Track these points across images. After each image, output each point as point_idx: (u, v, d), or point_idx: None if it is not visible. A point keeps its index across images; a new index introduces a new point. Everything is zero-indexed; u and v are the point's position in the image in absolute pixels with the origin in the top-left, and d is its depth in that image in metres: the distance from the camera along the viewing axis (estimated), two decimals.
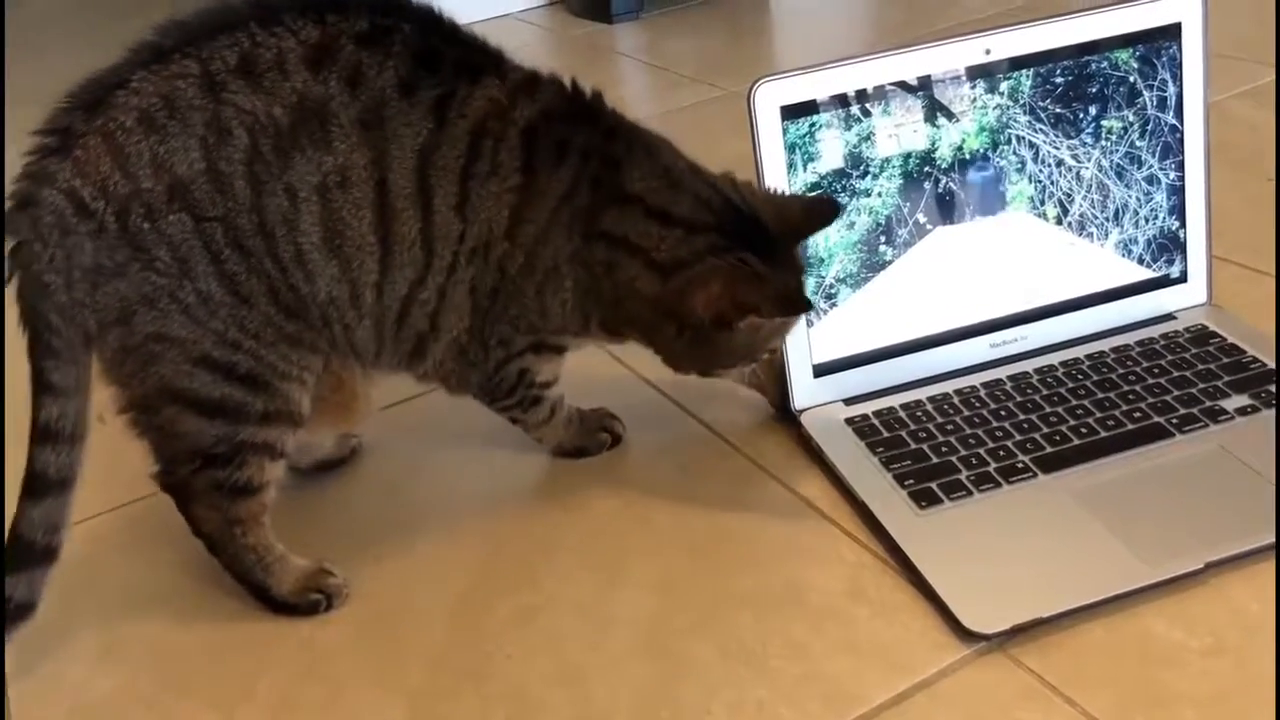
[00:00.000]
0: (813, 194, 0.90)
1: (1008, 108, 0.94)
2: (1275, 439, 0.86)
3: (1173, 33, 0.96)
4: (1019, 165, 0.96)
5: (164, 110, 0.75)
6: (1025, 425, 0.90)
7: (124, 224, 0.75)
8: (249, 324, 0.79)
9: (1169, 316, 1.01)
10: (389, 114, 0.78)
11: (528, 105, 0.82)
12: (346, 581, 0.87)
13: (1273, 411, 0.89)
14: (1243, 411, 0.89)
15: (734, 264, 0.79)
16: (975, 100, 0.94)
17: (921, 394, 0.95)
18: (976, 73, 0.93)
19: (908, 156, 0.93)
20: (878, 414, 0.94)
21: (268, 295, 0.79)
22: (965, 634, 0.75)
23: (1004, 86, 0.94)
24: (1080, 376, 0.95)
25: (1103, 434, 0.88)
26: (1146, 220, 0.99)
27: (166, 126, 0.75)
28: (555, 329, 0.88)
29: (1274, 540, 0.77)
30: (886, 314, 0.96)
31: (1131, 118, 0.97)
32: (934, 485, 0.85)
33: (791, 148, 0.91)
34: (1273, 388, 0.91)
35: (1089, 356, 0.97)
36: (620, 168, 0.83)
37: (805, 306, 0.83)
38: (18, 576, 0.79)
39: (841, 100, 0.91)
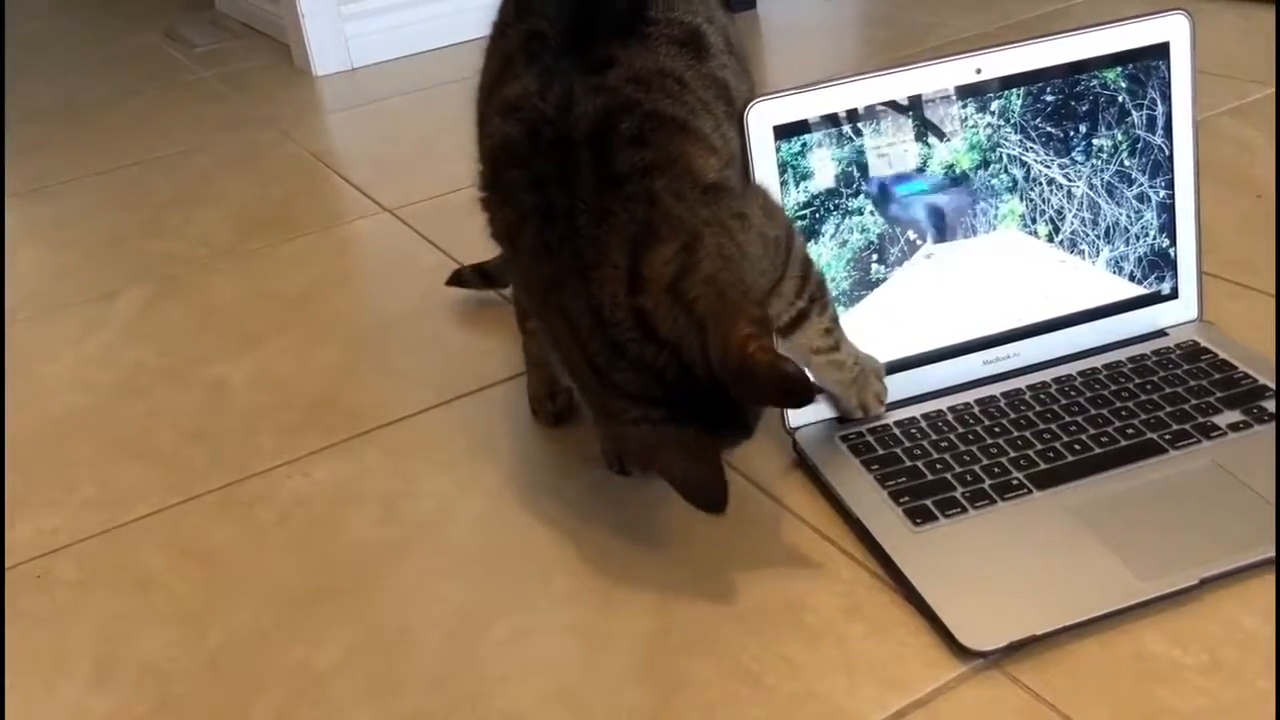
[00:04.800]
0: (790, 371, 0.70)
1: (999, 126, 0.95)
2: (1275, 452, 0.86)
3: (1161, 52, 0.97)
4: (1010, 184, 0.96)
5: None
6: (1019, 442, 0.90)
7: None
8: None
9: (1161, 333, 1.01)
10: (492, 43, 0.90)
11: (514, 123, 0.80)
12: None
13: (1265, 427, 0.89)
14: (1235, 427, 0.89)
15: (674, 437, 0.75)
16: (966, 119, 0.94)
17: (916, 411, 0.96)
18: (967, 92, 0.94)
19: (900, 175, 0.94)
20: (872, 431, 0.94)
21: None
22: (962, 651, 0.75)
23: (994, 105, 0.95)
24: (1073, 393, 0.95)
25: (1096, 450, 0.89)
26: (1137, 238, 1.00)
27: None
28: None
29: (1270, 555, 0.78)
30: (880, 331, 0.96)
31: (1121, 136, 0.98)
32: (929, 502, 0.86)
33: (784, 166, 0.91)
34: (1265, 404, 0.91)
35: (1082, 373, 0.97)
36: (554, 258, 0.78)
37: (718, 511, 0.77)
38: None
39: (833, 119, 0.92)
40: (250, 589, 0.90)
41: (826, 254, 0.93)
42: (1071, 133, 0.97)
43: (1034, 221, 0.98)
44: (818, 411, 0.95)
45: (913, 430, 0.93)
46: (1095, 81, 0.96)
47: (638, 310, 0.73)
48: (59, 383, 1.24)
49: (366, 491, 1.00)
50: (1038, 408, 0.94)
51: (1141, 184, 0.99)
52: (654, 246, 0.73)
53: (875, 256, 0.95)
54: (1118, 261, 1.00)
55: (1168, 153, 0.99)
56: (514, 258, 0.84)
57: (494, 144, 0.82)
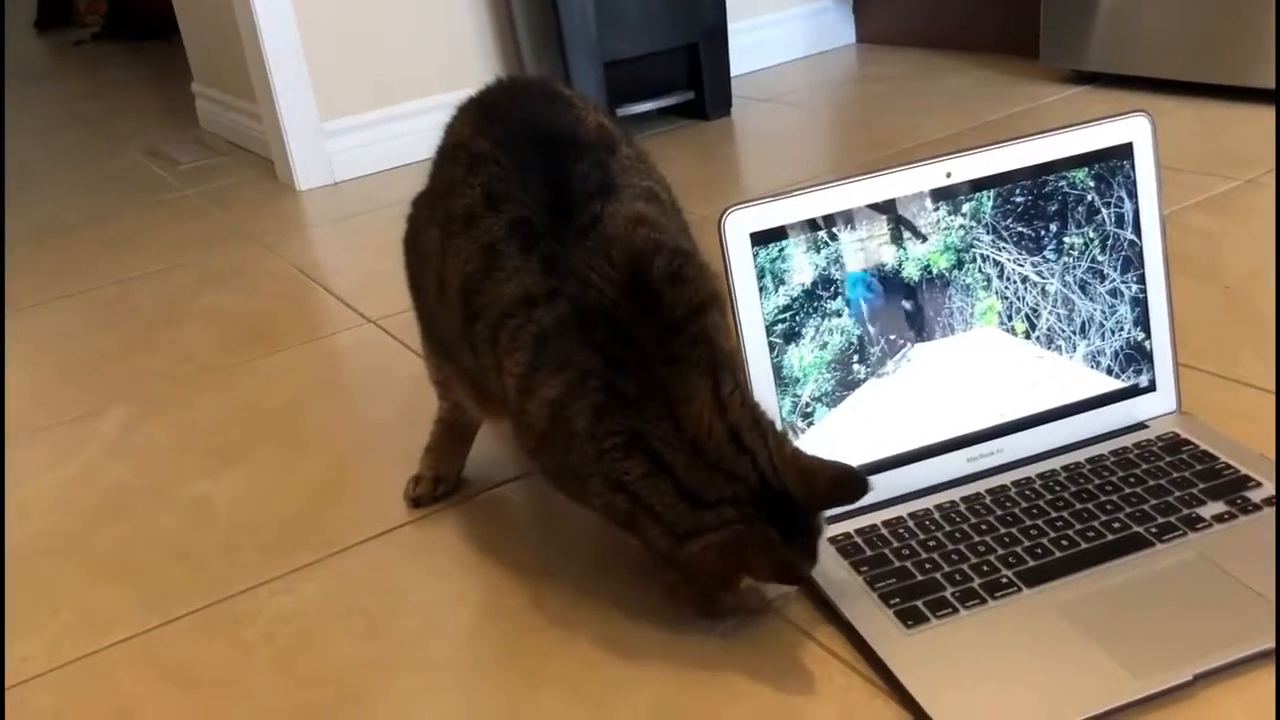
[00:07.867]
0: (843, 468, 0.84)
1: (971, 227, 0.97)
2: (1276, 533, 0.87)
3: (1125, 152, 0.99)
4: (985, 282, 0.98)
5: None
6: (1007, 539, 0.90)
7: None
8: None
9: (1141, 425, 1.02)
10: (453, 231, 0.91)
11: (549, 310, 0.85)
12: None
13: (1249, 518, 0.89)
14: (1219, 519, 0.90)
15: (759, 533, 0.81)
16: (939, 221, 0.96)
17: (903, 510, 0.95)
18: (939, 195, 0.96)
19: (877, 277, 0.95)
20: (860, 532, 0.94)
21: None
22: None
23: (966, 207, 0.97)
24: (1058, 488, 0.95)
25: (1084, 545, 0.88)
26: (1112, 332, 1.01)
27: None
28: None
29: (1262, 649, 0.77)
30: (864, 431, 0.96)
31: (1092, 233, 1.00)
32: (920, 604, 0.85)
33: (762, 272, 0.92)
34: (1248, 494, 0.92)
35: (1065, 468, 0.98)
36: (631, 409, 0.82)
37: (798, 580, 0.85)
38: None
39: (809, 225, 0.93)
40: (234, 713, 0.88)
41: (808, 356, 0.94)
42: (1042, 231, 0.99)
43: (1011, 319, 0.99)
44: None
45: (900, 530, 0.93)
46: (1063, 181, 0.99)
47: (730, 427, 0.82)
48: (39, 506, 1.23)
49: (352, 607, 0.99)
50: (1023, 504, 0.94)
51: (1114, 279, 1.01)
52: (721, 378, 0.83)
53: (856, 357, 0.96)
54: (1095, 356, 1.01)
55: (1138, 248, 1.01)
56: (553, 431, 0.85)
57: (536, 330, 0.85)
